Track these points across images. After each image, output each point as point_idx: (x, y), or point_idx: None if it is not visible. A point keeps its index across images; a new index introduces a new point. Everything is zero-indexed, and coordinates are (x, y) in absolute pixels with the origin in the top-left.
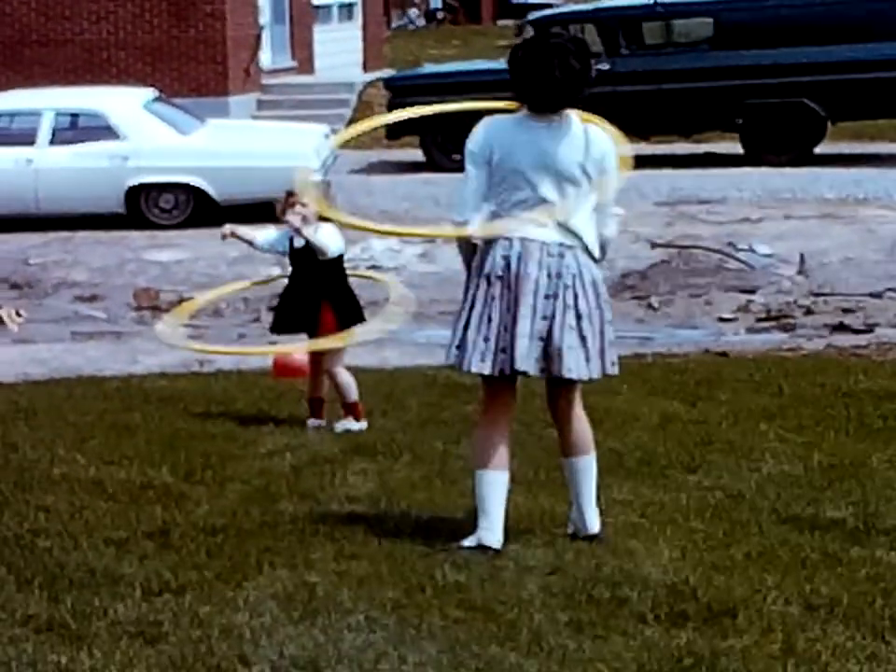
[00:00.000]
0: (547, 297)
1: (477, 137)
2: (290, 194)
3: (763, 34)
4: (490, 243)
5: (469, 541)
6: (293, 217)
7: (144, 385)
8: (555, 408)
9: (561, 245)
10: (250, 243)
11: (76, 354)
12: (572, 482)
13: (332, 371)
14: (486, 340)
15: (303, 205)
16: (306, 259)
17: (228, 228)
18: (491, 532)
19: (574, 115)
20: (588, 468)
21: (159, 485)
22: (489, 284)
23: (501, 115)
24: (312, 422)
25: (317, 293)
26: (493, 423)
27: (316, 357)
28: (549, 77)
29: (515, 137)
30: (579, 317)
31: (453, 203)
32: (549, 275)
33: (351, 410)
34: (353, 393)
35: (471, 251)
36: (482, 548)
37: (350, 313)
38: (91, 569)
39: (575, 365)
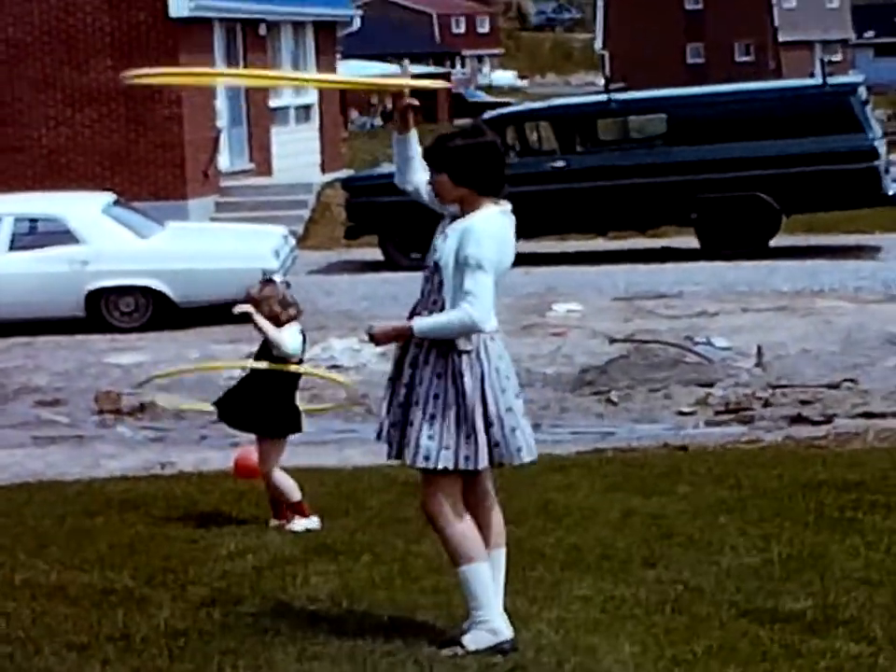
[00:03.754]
0: (507, 378)
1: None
2: (267, 282)
3: (717, 129)
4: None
5: (478, 643)
6: (257, 314)
7: (105, 488)
8: (485, 497)
9: (497, 329)
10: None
11: (37, 459)
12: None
13: (267, 474)
14: (478, 433)
15: (280, 305)
16: (261, 358)
17: (245, 308)
18: (504, 623)
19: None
20: (504, 559)
21: (120, 589)
22: (463, 380)
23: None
24: (273, 522)
25: (257, 397)
26: (464, 515)
27: None
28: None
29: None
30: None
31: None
32: (500, 356)
33: (297, 510)
34: (295, 493)
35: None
36: (500, 646)
37: (277, 423)
38: None
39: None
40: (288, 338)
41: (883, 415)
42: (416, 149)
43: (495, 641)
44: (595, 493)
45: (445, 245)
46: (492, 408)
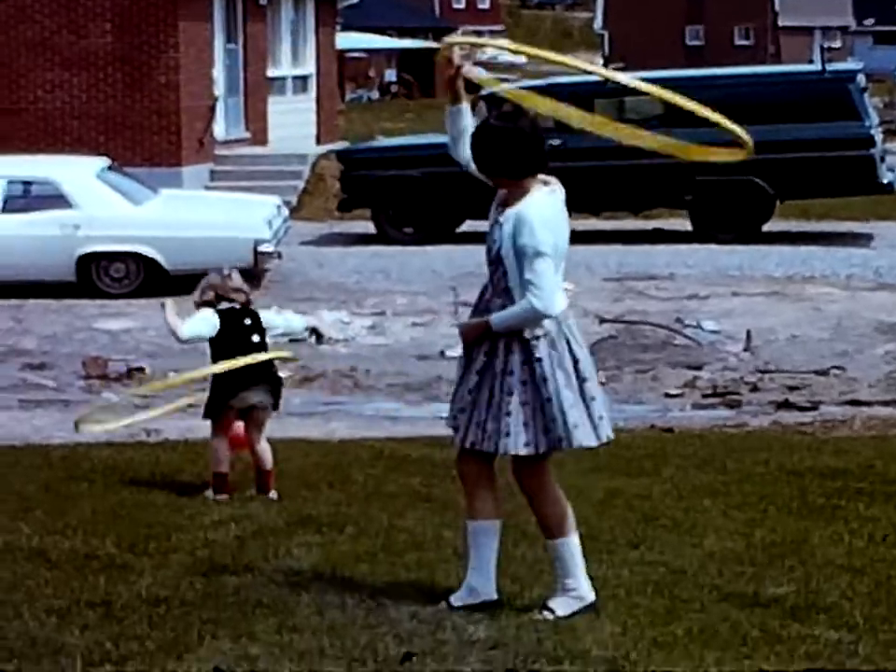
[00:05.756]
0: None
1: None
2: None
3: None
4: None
5: (567, 608)
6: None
7: (90, 454)
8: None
9: (566, 310)
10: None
11: (22, 422)
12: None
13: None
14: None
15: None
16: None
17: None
18: (588, 589)
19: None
20: None
21: (102, 555)
22: (542, 364)
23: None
24: (272, 494)
25: None
26: (559, 493)
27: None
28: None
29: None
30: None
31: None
32: (579, 342)
33: (216, 481)
34: (221, 465)
35: None
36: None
37: (209, 402)
38: (33, 639)
39: None
40: (188, 323)
41: (869, 403)
42: (469, 121)
43: (581, 605)
44: (580, 472)
45: (502, 234)
46: (568, 391)
